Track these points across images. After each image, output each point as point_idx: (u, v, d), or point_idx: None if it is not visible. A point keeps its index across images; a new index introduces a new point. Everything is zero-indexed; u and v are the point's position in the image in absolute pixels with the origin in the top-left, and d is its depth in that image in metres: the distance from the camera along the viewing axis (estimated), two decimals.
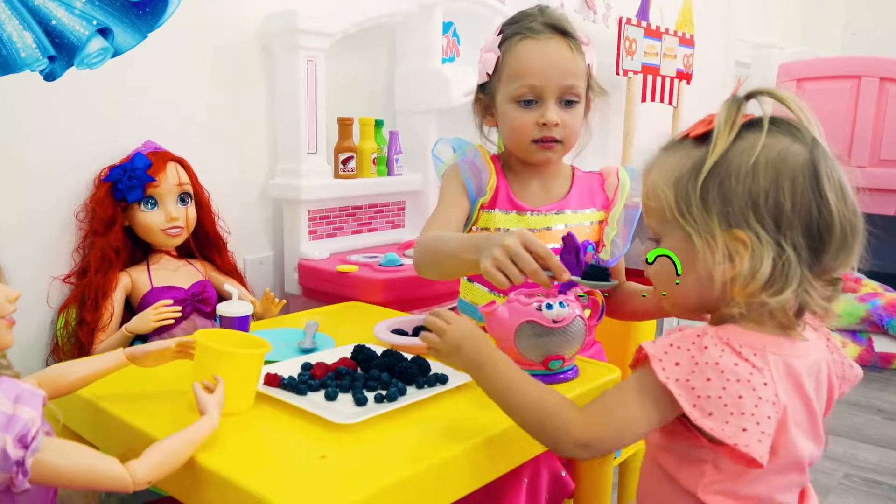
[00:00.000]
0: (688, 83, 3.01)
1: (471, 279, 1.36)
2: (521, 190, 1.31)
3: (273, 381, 1.06)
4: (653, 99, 2.84)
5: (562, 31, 1.24)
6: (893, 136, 3.61)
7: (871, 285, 3.13)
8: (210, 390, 0.93)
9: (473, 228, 1.30)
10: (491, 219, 1.29)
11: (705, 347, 0.75)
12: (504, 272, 0.95)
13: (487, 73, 1.28)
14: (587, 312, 1.15)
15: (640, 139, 2.73)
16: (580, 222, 1.30)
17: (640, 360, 0.82)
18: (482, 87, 1.32)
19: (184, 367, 1.04)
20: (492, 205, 1.29)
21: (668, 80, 2.90)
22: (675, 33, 2.91)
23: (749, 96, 0.78)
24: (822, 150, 0.76)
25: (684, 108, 3.05)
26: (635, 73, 2.69)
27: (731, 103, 0.78)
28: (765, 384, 0.74)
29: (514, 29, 1.26)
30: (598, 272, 0.98)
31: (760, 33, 4.03)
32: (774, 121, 0.77)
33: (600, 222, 1.32)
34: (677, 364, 0.75)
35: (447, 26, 2.12)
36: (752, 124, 0.77)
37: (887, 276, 3.18)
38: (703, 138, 0.78)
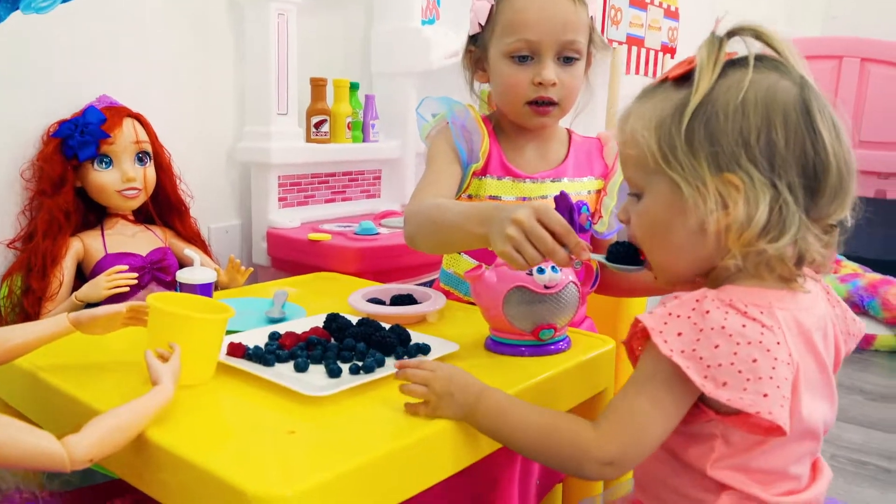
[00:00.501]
0: (672, 57, 2.93)
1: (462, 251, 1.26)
2: (515, 155, 1.21)
3: (237, 350, 0.97)
4: (637, 72, 2.76)
5: None
6: (874, 117, 3.58)
7: (851, 266, 3.10)
8: (165, 359, 0.83)
9: (464, 196, 1.21)
10: (482, 186, 1.19)
11: (707, 312, 0.69)
12: (521, 252, 0.83)
13: (480, 24, 1.17)
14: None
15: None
16: (578, 191, 1.21)
17: (637, 333, 0.76)
18: (473, 39, 1.21)
19: (136, 335, 0.94)
20: (484, 171, 1.19)
21: (652, 53, 2.82)
22: (661, 5, 2.83)
23: (731, 34, 0.73)
24: (811, 87, 0.72)
25: None
26: (620, 43, 2.61)
27: (712, 40, 0.73)
28: (777, 343, 0.68)
29: None
30: (625, 251, 0.84)
31: (745, 10, 3.98)
32: (759, 58, 0.73)
33: (598, 192, 1.23)
34: (680, 334, 0.69)
35: None
36: (736, 62, 0.72)
37: (868, 261, 3.15)
38: (684, 80, 0.73)
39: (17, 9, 1.33)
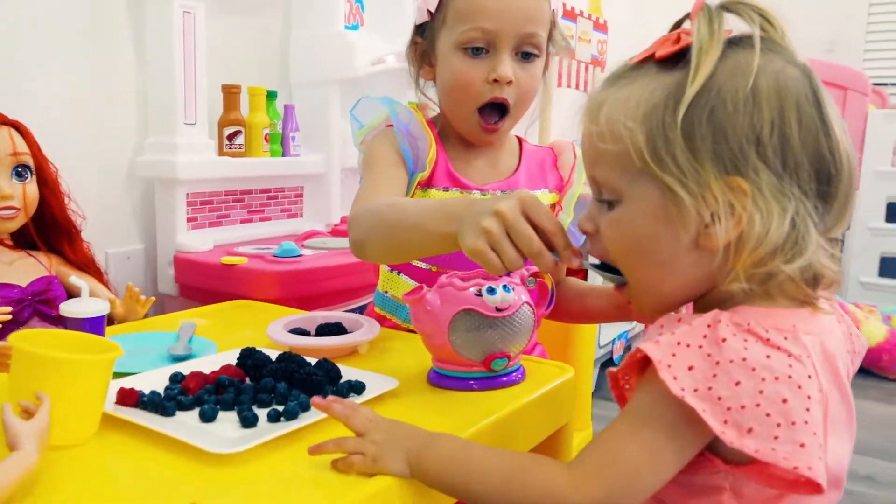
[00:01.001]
0: (601, 70, 2.88)
1: (396, 270, 1.12)
2: (463, 164, 1.09)
3: (128, 398, 0.81)
4: (568, 85, 2.69)
5: None
6: None
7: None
8: (31, 414, 0.66)
9: None
10: (428, 197, 1.05)
11: (723, 340, 0.56)
12: (498, 252, 0.70)
13: (429, 11, 1.04)
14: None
15: (555, 127, 2.57)
16: None
17: (633, 364, 0.62)
18: (420, 30, 1.07)
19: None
20: (429, 181, 1.06)
21: (582, 66, 2.76)
22: (590, 17, 2.79)
23: (723, 8, 0.61)
24: (813, 73, 0.62)
25: None
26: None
27: (710, 13, 0.60)
28: (809, 377, 0.56)
29: None
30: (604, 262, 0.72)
31: (665, 26, 4.02)
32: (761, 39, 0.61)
33: (552, 206, 1.11)
34: (691, 368, 0.56)
35: None
36: (736, 42, 0.61)
37: None
38: (673, 61, 0.61)
39: None
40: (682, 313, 0.64)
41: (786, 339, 0.57)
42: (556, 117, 2.56)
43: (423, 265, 1.09)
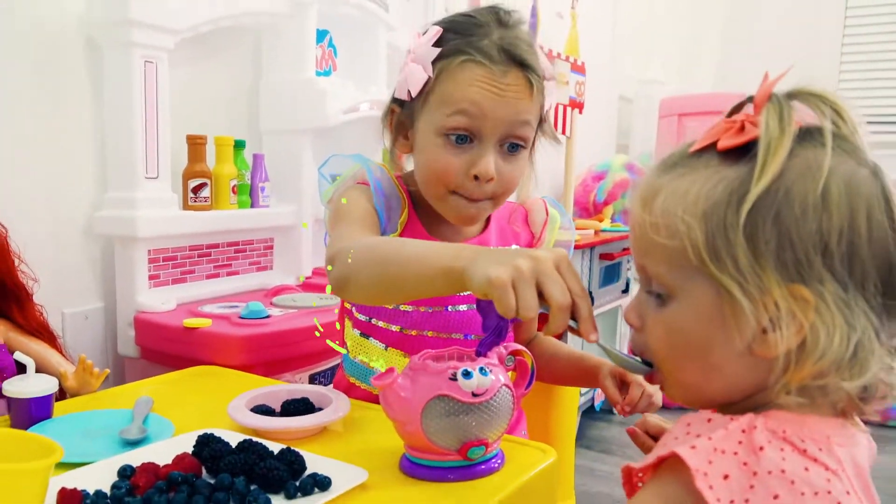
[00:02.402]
0: (580, 112, 2.86)
1: (365, 334, 1.06)
2: (431, 223, 1.04)
3: (70, 499, 0.74)
4: None
5: (520, 62, 0.94)
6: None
7: None
8: None
9: None
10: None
11: (761, 449, 0.54)
12: (518, 293, 0.67)
13: (409, 92, 0.98)
14: (512, 376, 0.88)
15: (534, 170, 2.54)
16: None
17: (658, 464, 0.58)
18: (400, 103, 1.02)
19: None
20: None
21: (561, 108, 2.73)
22: (567, 58, 2.76)
23: (790, 97, 0.58)
24: (883, 174, 0.58)
25: (577, 139, 2.89)
26: None
27: (781, 106, 0.56)
28: (847, 493, 0.54)
29: (459, 45, 0.94)
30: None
31: (641, 69, 4.04)
32: (821, 132, 0.57)
33: None
34: (727, 477, 0.53)
35: (322, 35, 1.83)
36: (806, 136, 0.57)
37: None
38: (736, 152, 0.57)
39: None
40: (712, 414, 0.60)
41: (821, 450, 0.54)
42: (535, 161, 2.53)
43: (394, 327, 1.04)
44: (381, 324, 1.05)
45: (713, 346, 0.58)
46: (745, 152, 0.56)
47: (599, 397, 2.61)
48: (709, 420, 0.58)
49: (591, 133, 3.46)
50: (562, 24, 3.17)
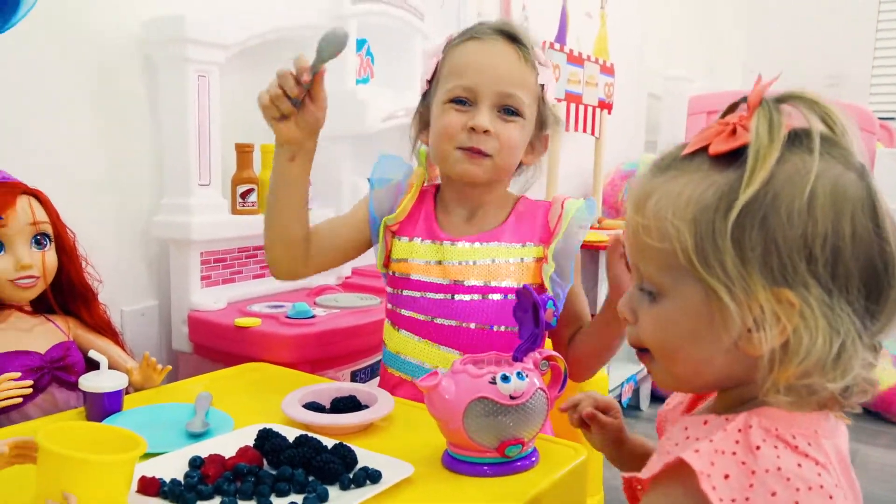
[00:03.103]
0: (609, 113, 2.90)
1: (396, 325, 1.16)
2: (446, 216, 1.17)
3: (149, 487, 0.82)
4: (576, 129, 2.72)
5: (510, 36, 1.09)
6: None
7: None
8: None
9: (392, 261, 1.17)
10: (405, 248, 1.16)
11: (757, 448, 0.56)
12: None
13: (427, 80, 1.15)
14: (547, 379, 0.95)
15: (563, 171, 2.59)
16: (511, 258, 1.13)
17: (669, 472, 0.60)
18: (423, 99, 1.17)
19: (23, 475, 0.77)
20: (406, 232, 1.16)
21: (590, 109, 2.78)
22: (596, 60, 2.81)
23: (781, 101, 0.59)
24: (870, 175, 0.60)
25: (605, 138, 2.94)
26: (559, 100, 2.56)
27: (770, 112, 0.58)
28: (836, 486, 0.57)
29: (462, 33, 1.12)
30: None
31: (669, 66, 4.05)
32: (810, 135, 0.59)
33: (539, 259, 1.13)
34: (727, 476, 0.56)
35: (360, 44, 1.91)
36: (794, 140, 0.58)
37: None
38: (727, 157, 0.59)
39: None
40: (707, 415, 0.64)
41: (810, 445, 0.57)
42: (564, 161, 2.59)
43: (420, 316, 1.14)
44: (404, 312, 1.15)
45: (701, 342, 0.61)
46: (736, 156, 0.58)
47: (626, 394, 2.67)
48: (705, 422, 0.61)
49: (620, 131, 3.49)
50: (591, 23, 3.21)
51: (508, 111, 1.08)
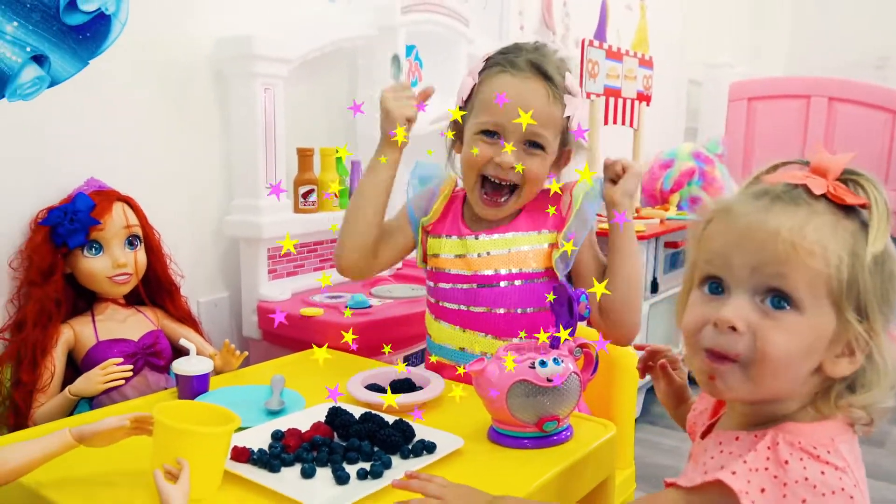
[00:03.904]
0: (647, 105, 2.98)
1: (437, 317, 1.27)
2: (471, 215, 1.28)
3: (241, 455, 0.97)
4: (615, 122, 2.81)
5: (543, 73, 1.18)
6: (844, 153, 3.67)
7: None
8: (172, 475, 0.83)
9: (429, 256, 1.30)
10: (437, 245, 1.28)
11: (786, 462, 0.65)
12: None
13: (463, 100, 1.25)
14: (580, 365, 1.08)
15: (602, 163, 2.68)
16: (527, 245, 1.24)
17: (708, 487, 0.68)
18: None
19: (139, 445, 0.93)
20: (438, 230, 1.29)
21: (629, 102, 2.87)
22: (635, 55, 2.89)
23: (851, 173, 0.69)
24: None
25: (644, 129, 3.02)
26: (598, 95, 2.65)
27: (877, 186, 0.68)
28: (855, 486, 0.65)
29: (497, 59, 1.21)
30: None
31: (711, 53, 4.07)
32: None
33: (552, 245, 1.24)
34: (763, 491, 0.64)
35: (409, 50, 2.03)
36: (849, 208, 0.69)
37: None
38: (847, 207, 0.68)
39: (3, 97, 1.33)
40: (737, 432, 0.72)
41: (829, 452, 0.65)
42: (604, 153, 2.68)
43: (453, 306, 1.25)
44: (440, 303, 1.27)
45: (809, 359, 0.67)
46: (853, 210, 0.67)
47: None
48: (736, 438, 0.70)
49: (660, 119, 3.55)
50: (631, 15, 3.28)
51: (533, 144, 1.18)
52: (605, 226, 1.22)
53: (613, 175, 1.20)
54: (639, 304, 1.23)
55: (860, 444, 0.71)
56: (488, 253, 1.23)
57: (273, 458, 0.96)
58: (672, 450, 2.38)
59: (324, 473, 0.94)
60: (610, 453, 1.08)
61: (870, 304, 0.66)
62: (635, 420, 2.53)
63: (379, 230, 1.28)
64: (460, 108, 1.25)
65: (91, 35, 1.44)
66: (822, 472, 0.64)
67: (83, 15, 1.42)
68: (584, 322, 1.14)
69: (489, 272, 1.23)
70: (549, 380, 0.99)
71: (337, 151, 1.76)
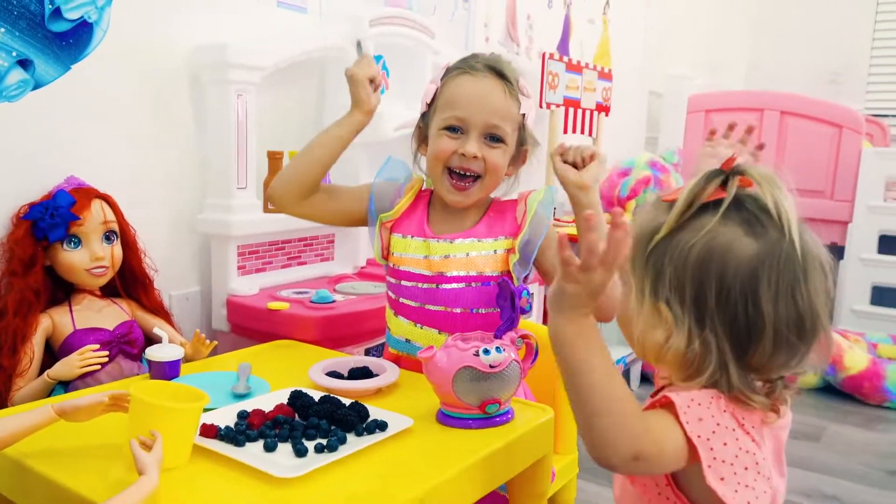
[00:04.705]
0: (606, 115, 3.12)
1: (397, 313, 1.37)
2: (436, 218, 1.37)
3: (210, 431, 1.05)
4: (574, 131, 2.93)
5: (499, 73, 1.30)
6: (793, 166, 3.82)
7: None
8: (147, 446, 0.91)
9: (393, 255, 1.37)
10: (401, 244, 1.36)
11: (724, 411, 0.76)
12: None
13: (426, 103, 1.35)
14: (521, 354, 1.18)
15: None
16: (484, 251, 1.32)
17: (659, 405, 0.79)
18: (422, 117, 1.38)
19: (115, 419, 1.01)
20: (402, 230, 1.37)
21: (588, 113, 3.00)
22: (595, 67, 3.02)
23: (727, 172, 0.77)
24: (780, 249, 0.75)
25: (603, 139, 3.16)
26: (558, 105, 2.77)
27: (703, 179, 0.78)
28: (764, 458, 0.76)
29: (458, 64, 1.33)
30: None
31: (671, 64, 4.21)
32: (740, 205, 0.76)
33: (508, 250, 1.33)
34: (700, 420, 0.75)
35: (376, 59, 2.13)
36: (718, 204, 0.76)
37: None
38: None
39: None
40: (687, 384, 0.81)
41: (753, 427, 0.76)
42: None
43: (413, 303, 1.34)
44: (400, 299, 1.36)
45: (636, 320, 0.82)
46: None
47: None
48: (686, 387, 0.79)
49: (622, 129, 3.69)
50: (593, 28, 3.41)
51: (493, 138, 1.29)
52: (573, 231, 1.32)
53: (577, 161, 1.27)
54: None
55: (796, 438, 0.82)
56: (448, 256, 1.31)
57: (238, 433, 1.03)
58: None
59: (285, 448, 1.02)
60: (547, 434, 1.19)
61: (646, 276, 0.80)
62: None
63: (322, 172, 1.36)
64: (424, 113, 1.36)
65: (74, 41, 1.53)
66: (747, 433, 0.75)
67: (67, 22, 1.50)
68: (525, 315, 1.26)
69: (449, 274, 1.31)
70: (491, 366, 1.09)
71: None
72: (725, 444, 0.74)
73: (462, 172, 1.30)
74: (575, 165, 1.26)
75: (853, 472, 2.38)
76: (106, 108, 1.62)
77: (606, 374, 0.74)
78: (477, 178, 1.31)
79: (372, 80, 1.35)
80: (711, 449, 0.73)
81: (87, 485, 0.91)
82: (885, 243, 3.71)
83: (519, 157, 1.37)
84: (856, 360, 3.00)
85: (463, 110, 1.27)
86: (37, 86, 1.48)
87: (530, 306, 1.28)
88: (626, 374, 3.04)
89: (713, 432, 0.74)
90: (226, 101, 1.71)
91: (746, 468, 0.74)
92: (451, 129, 1.29)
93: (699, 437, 0.74)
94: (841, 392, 3.06)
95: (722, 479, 0.73)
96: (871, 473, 2.38)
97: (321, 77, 2.07)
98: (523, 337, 1.19)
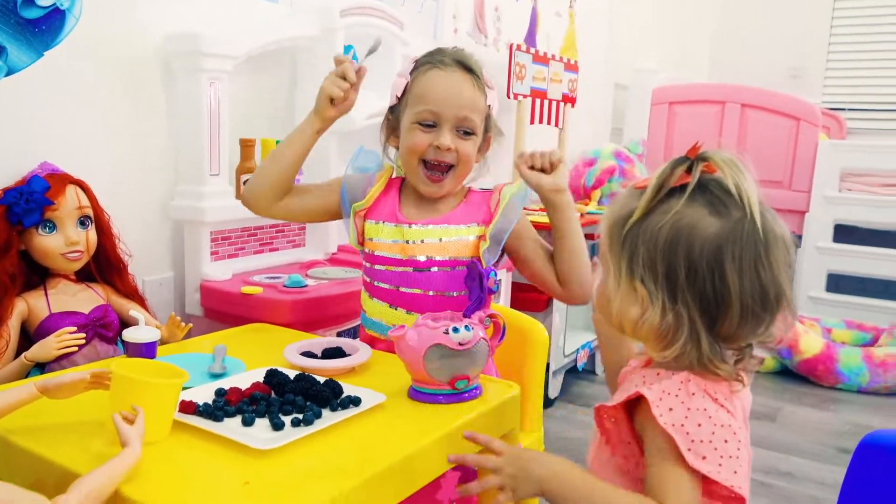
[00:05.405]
0: (572, 106, 3.18)
1: (372, 295, 1.41)
2: (409, 205, 1.41)
3: (188, 408, 1.07)
4: (540, 122, 2.99)
5: (467, 68, 1.35)
6: (753, 157, 3.94)
7: None
8: (129, 420, 0.94)
9: (367, 240, 1.41)
10: (374, 230, 1.39)
11: (693, 394, 0.81)
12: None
13: (396, 96, 1.39)
14: (489, 333, 1.23)
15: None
16: (457, 237, 1.37)
17: (626, 403, 0.87)
18: (391, 109, 1.41)
19: (96, 396, 1.04)
20: (375, 216, 1.40)
21: (554, 104, 3.06)
22: (561, 59, 3.08)
23: (692, 159, 0.83)
24: (742, 227, 0.80)
25: (569, 129, 3.22)
26: (525, 96, 2.83)
27: (670, 165, 0.84)
28: (739, 428, 0.81)
29: (426, 59, 1.37)
30: None
31: (637, 57, 4.29)
32: (704, 188, 0.82)
33: (479, 237, 1.38)
34: (671, 410, 0.81)
35: (347, 49, 2.16)
36: (684, 188, 0.83)
37: None
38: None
39: None
40: (658, 369, 0.88)
41: (726, 399, 0.82)
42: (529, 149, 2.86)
43: (388, 286, 1.38)
44: (375, 283, 1.40)
45: (613, 300, 0.89)
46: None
47: (582, 359, 2.97)
48: (658, 374, 0.85)
49: (588, 120, 3.77)
50: (560, 21, 3.47)
51: (465, 130, 1.34)
52: (543, 219, 1.37)
53: (545, 166, 1.31)
54: (586, 268, 1.37)
55: (754, 418, 0.87)
56: (422, 241, 1.35)
57: (217, 409, 1.06)
58: (587, 424, 2.58)
59: (262, 423, 1.05)
60: (513, 409, 1.23)
61: (622, 257, 0.86)
62: (556, 399, 2.74)
63: (292, 175, 1.40)
64: (393, 106, 1.40)
65: (47, 28, 1.54)
66: (717, 410, 0.80)
67: (39, 9, 1.52)
68: (492, 295, 1.31)
69: (422, 258, 1.35)
70: (460, 344, 1.13)
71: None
72: (700, 424, 0.79)
73: (436, 163, 1.34)
74: (543, 170, 1.31)
75: (807, 450, 2.49)
76: (79, 94, 1.63)
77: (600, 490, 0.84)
78: (450, 168, 1.35)
79: (332, 100, 1.36)
80: (687, 433, 0.78)
81: (70, 457, 0.94)
82: (840, 232, 3.83)
83: (484, 144, 1.42)
84: (811, 344, 3.11)
85: (435, 104, 1.31)
86: (9, 72, 1.50)
87: (497, 287, 1.33)
88: (592, 359, 3.12)
89: (686, 417, 0.79)
90: (198, 88, 1.74)
91: (726, 441, 0.79)
92: (424, 122, 1.33)
93: (672, 425, 0.79)
94: (796, 375, 3.18)
95: (704, 458, 0.78)
96: (824, 451, 2.48)
97: (292, 66, 2.10)
98: (491, 316, 1.23)
